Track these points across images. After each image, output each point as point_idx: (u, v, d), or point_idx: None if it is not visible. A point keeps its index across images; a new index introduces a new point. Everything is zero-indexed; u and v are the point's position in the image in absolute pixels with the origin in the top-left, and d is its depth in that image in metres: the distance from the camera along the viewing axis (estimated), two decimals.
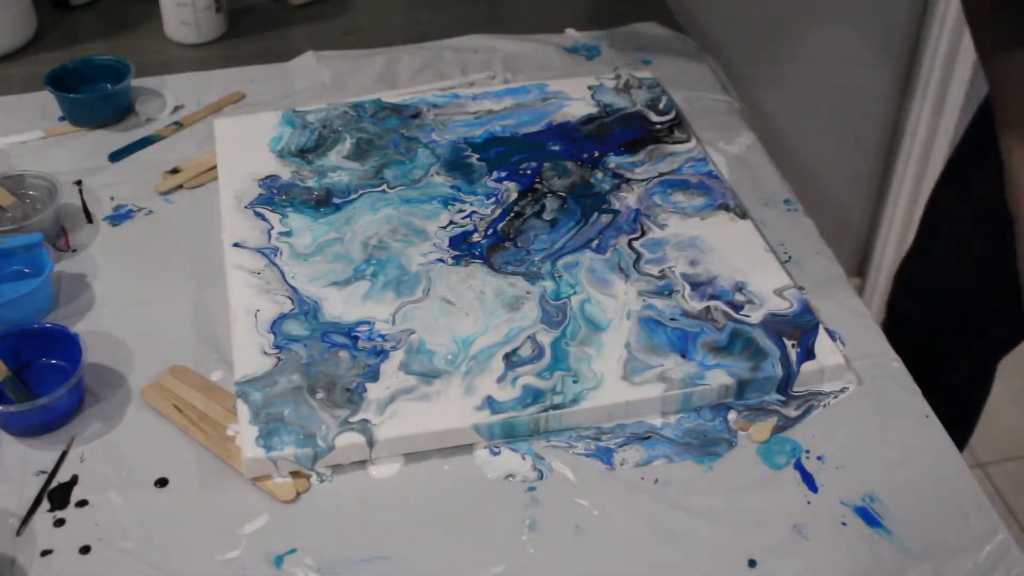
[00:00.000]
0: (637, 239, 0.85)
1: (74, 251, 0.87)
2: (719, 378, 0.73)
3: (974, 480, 0.70)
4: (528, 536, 0.66)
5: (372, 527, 0.67)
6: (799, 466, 0.70)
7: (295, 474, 0.69)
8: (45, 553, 0.65)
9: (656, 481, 0.69)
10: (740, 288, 0.81)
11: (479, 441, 0.71)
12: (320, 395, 0.72)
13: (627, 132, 0.98)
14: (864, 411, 0.74)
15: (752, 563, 0.65)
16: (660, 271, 0.82)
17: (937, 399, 0.76)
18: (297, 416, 0.70)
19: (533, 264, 0.83)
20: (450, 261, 0.83)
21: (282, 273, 0.82)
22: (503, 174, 0.92)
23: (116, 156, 0.98)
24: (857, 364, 0.77)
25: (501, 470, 0.70)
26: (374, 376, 0.73)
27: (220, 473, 0.70)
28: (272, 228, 0.86)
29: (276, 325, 0.77)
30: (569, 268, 0.82)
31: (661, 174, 0.93)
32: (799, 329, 0.77)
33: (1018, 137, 0.79)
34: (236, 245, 0.84)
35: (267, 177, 0.92)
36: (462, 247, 0.84)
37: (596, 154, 0.95)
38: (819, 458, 0.71)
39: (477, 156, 0.95)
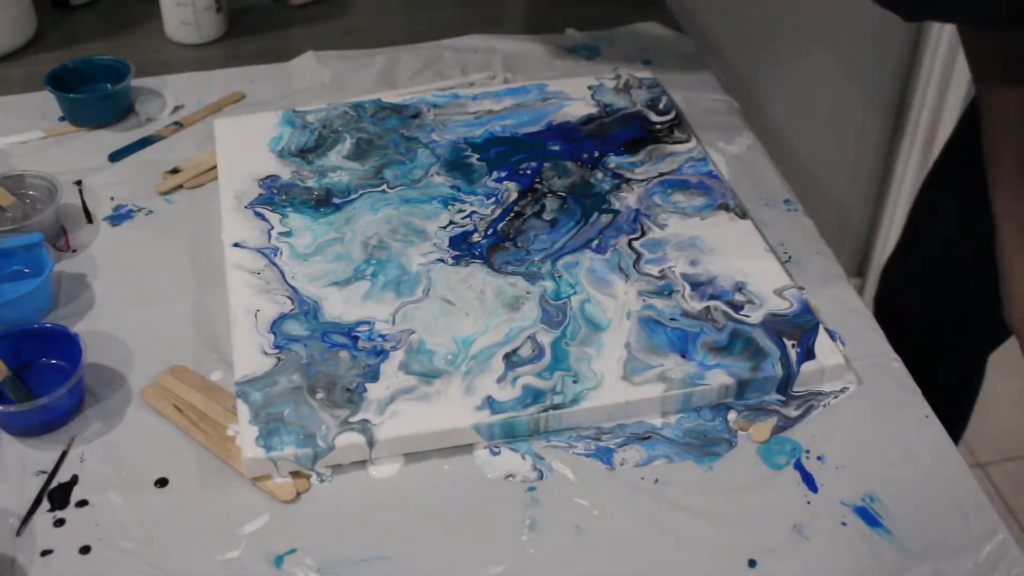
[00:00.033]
0: (637, 239, 0.85)
1: (74, 251, 0.87)
2: (719, 378, 0.73)
3: (974, 480, 0.70)
4: (528, 536, 0.66)
5: (372, 527, 0.67)
6: (799, 466, 0.70)
7: (295, 474, 0.69)
8: (45, 553, 0.65)
9: (656, 481, 0.69)
10: (740, 288, 0.81)
11: (479, 441, 0.71)
12: (320, 395, 0.72)
13: (627, 132, 0.98)
14: (864, 411, 0.74)
15: (752, 563, 0.65)
16: (660, 271, 0.82)
17: (927, 395, 0.76)
18: (297, 416, 0.70)
19: (533, 264, 0.83)
20: (450, 261, 0.83)
21: (282, 273, 0.82)
22: (503, 174, 0.92)
23: (116, 156, 0.98)
24: (857, 364, 0.77)
25: (501, 470, 0.70)
26: (374, 376, 0.73)
27: (220, 473, 0.70)
28: (272, 228, 0.86)
29: (276, 325, 0.77)
30: (569, 268, 0.82)
31: (661, 174, 0.93)
32: (799, 329, 0.77)
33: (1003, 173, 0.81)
34: (236, 245, 0.84)
35: (267, 177, 0.92)
36: (462, 247, 0.84)
37: (596, 154, 0.95)
38: (819, 458, 0.71)
39: (477, 156, 0.95)
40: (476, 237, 0.85)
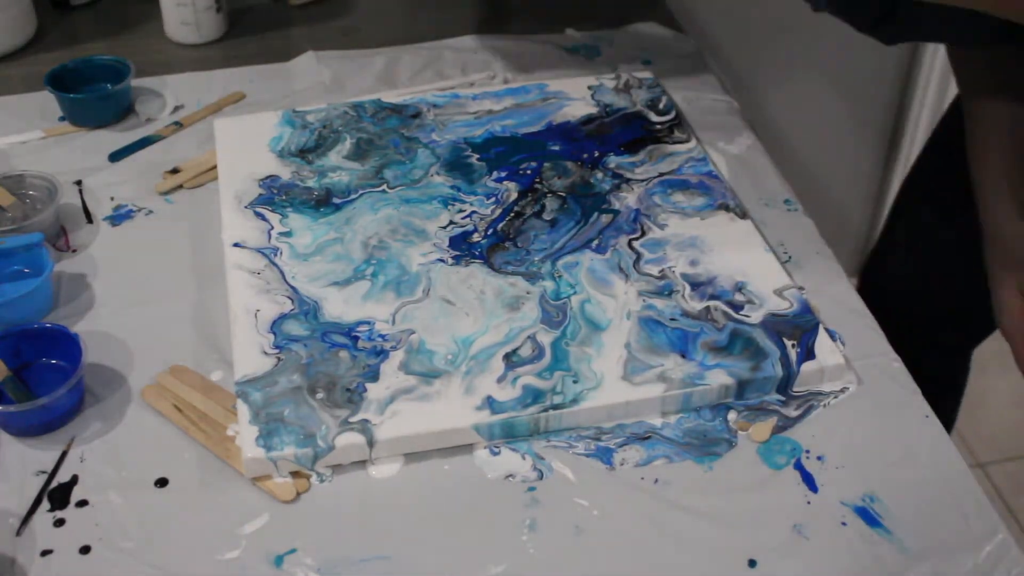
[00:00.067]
0: (637, 239, 0.85)
1: (74, 251, 0.87)
2: (719, 378, 0.73)
3: (974, 480, 0.70)
4: (528, 536, 0.66)
5: (372, 527, 0.67)
6: (799, 466, 0.70)
7: (295, 474, 0.69)
8: (45, 553, 0.65)
9: (656, 481, 0.69)
10: (740, 288, 0.81)
11: (479, 441, 0.71)
12: (320, 395, 0.72)
13: (627, 132, 0.98)
14: (864, 411, 0.74)
15: (752, 563, 0.65)
16: (660, 271, 0.82)
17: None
18: (297, 416, 0.70)
19: (533, 264, 0.83)
20: (450, 261, 0.83)
21: (282, 273, 0.82)
22: (503, 174, 0.92)
23: (116, 156, 0.98)
24: (857, 364, 0.77)
25: (501, 470, 0.70)
26: (374, 376, 0.73)
27: (220, 473, 0.70)
28: (272, 228, 0.86)
29: (276, 325, 0.77)
30: (569, 268, 0.82)
31: (661, 174, 0.93)
32: (799, 329, 0.77)
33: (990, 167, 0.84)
34: (236, 245, 0.84)
35: (267, 177, 0.92)
36: (462, 247, 0.84)
37: (596, 154, 0.95)
38: (819, 458, 0.71)
39: (477, 156, 0.95)
40: (476, 237, 0.85)
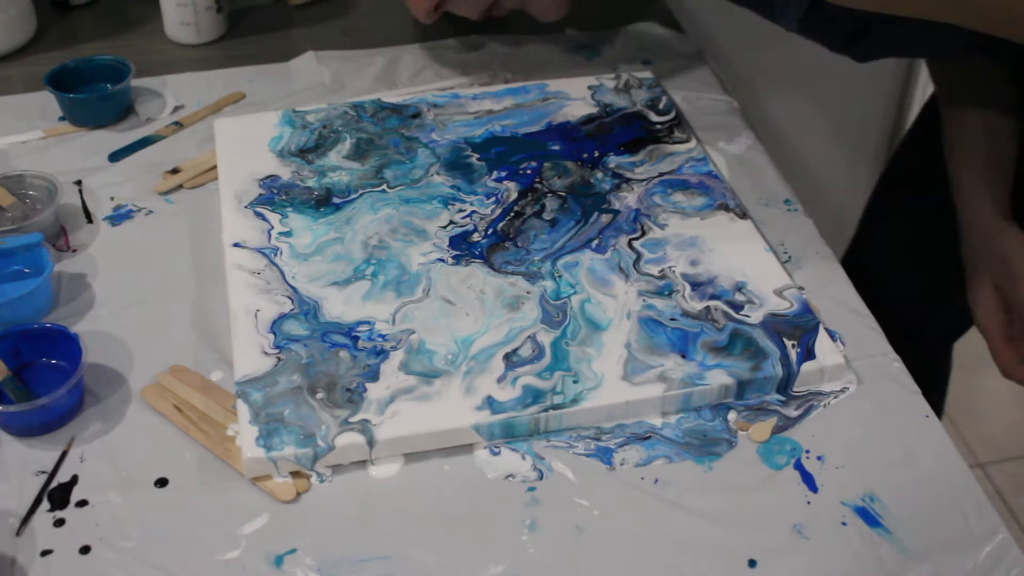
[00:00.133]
0: (637, 239, 0.85)
1: (74, 251, 0.87)
2: (719, 378, 0.73)
3: (974, 480, 0.70)
4: (528, 536, 0.66)
5: (372, 527, 0.67)
6: (799, 466, 0.70)
7: (295, 474, 0.69)
8: (45, 553, 0.65)
9: (656, 481, 0.69)
10: (740, 288, 0.81)
11: (479, 441, 0.71)
12: (320, 395, 0.72)
13: (627, 132, 0.98)
14: (864, 411, 0.74)
15: (752, 563, 0.65)
16: (660, 271, 0.82)
17: None
18: (297, 416, 0.70)
19: (533, 264, 0.83)
20: (450, 261, 0.83)
21: (282, 273, 0.82)
22: (503, 174, 0.93)
23: (116, 156, 0.98)
24: (857, 364, 0.77)
25: (501, 470, 0.70)
26: (374, 376, 0.73)
27: (220, 473, 0.70)
28: (272, 228, 0.86)
29: (276, 325, 0.77)
30: (569, 268, 0.82)
31: (661, 174, 0.93)
32: (799, 329, 0.77)
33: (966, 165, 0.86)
34: (236, 245, 0.84)
35: (267, 177, 0.92)
36: (462, 247, 0.84)
37: (596, 154, 0.95)
38: (819, 458, 0.71)
39: (477, 156, 0.95)
40: (476, 237, 0.85)
